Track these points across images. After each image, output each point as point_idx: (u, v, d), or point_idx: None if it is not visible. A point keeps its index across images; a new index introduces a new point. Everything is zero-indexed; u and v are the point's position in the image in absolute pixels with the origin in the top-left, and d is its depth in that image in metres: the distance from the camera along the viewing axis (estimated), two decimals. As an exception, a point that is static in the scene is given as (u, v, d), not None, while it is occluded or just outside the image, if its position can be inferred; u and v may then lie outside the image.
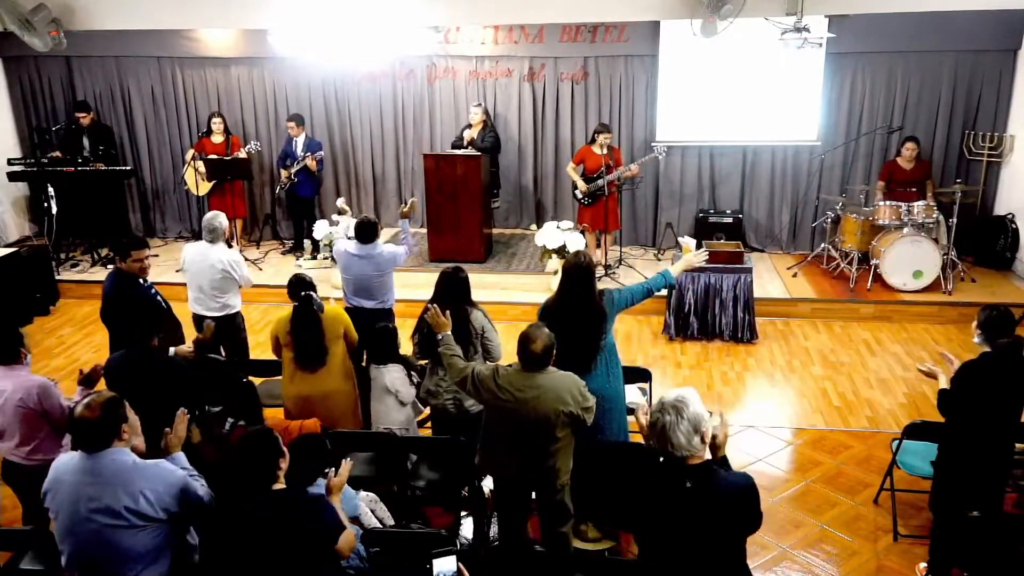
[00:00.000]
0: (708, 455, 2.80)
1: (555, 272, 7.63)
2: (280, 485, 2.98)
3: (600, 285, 4.36)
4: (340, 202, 6.83)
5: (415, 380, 4.70)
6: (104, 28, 7.08)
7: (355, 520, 3.67)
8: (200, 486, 3.16)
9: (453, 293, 4.37)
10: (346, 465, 3.45)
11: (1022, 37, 8.12)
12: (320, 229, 8.61)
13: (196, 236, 9.44)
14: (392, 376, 4.59)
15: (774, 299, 7.71)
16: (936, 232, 7.92)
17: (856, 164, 8.77)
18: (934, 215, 7.64)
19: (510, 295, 7.85)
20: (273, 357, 4.94)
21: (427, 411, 4.77)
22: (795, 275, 8.25)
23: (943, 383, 4.04)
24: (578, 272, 4.20)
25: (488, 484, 4.44)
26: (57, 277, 8.45)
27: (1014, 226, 8.14)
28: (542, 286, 7.86)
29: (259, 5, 6.77)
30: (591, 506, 4.12)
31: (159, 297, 5.10)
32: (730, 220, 8.81)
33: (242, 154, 8.76)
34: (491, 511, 4.51)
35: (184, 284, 5.78)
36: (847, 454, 5.32)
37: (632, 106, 8.95)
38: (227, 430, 4.41)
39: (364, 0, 6.63)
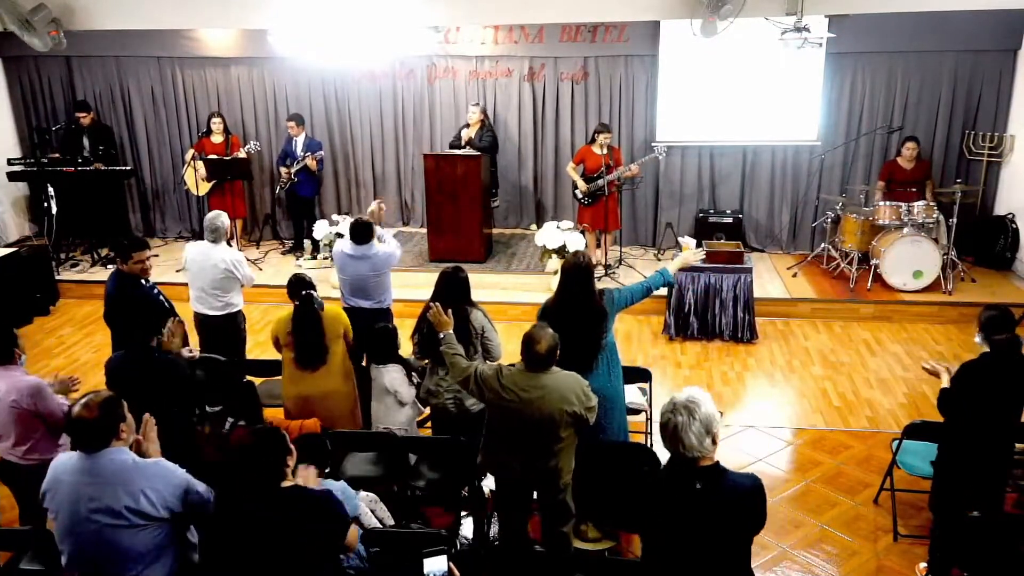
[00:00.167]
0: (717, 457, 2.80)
1: (555, 272, 7.63)
2: (289, 482, 2.99)
3: (600, 285, 4.36)
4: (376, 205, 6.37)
5: (415, 381, 4.70)
6: (104, 28, 7.08)
7: (355, 520, 3.67)
8: (199, 483, 3.16)
9: (453, 293, 4.37)
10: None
11: (1022, 37, 8.12)
12: (320, 229, 8.61)
13: (196, 236, 9.46)
14: (391, 376, 4.59)
15: (774, 299, 7.71)
16: (936, 232, 7.92)
17: (856, 164, 8.77)
18: (934, 215, 7.64)
19: (510, 295, 7.85)
20: (273, 356, 4.94)
21: (427, 411, 4.77)
22: (795, 275, 8.25)
23: (945, 382, 4.05)
24: (577, 272, 4.21)
25: (488, 484, 4.44)
26: (57, 277, 8.45)
27: (1014, 226, 8.14)
28: (542, 286, 7.86)
29: (259, 5, 6.78)
30: (591, 506, 4.12)
31: (161, 297, 5.11)
32: (730, 220, 8.81)
33: (242, 154, 8.76)
34: (491, 511, 4.51)
35: (185, 284, 5.79)
36: (847, 454, 5.32)
37: (632, 106, 8.95)
38: (227, 430, 4.41)
39: (364, 0, 6.63)
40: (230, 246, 5.90)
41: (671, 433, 2.69)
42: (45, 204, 8.49)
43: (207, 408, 4.64)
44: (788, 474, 5.13)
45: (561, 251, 7.89)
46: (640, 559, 2.98)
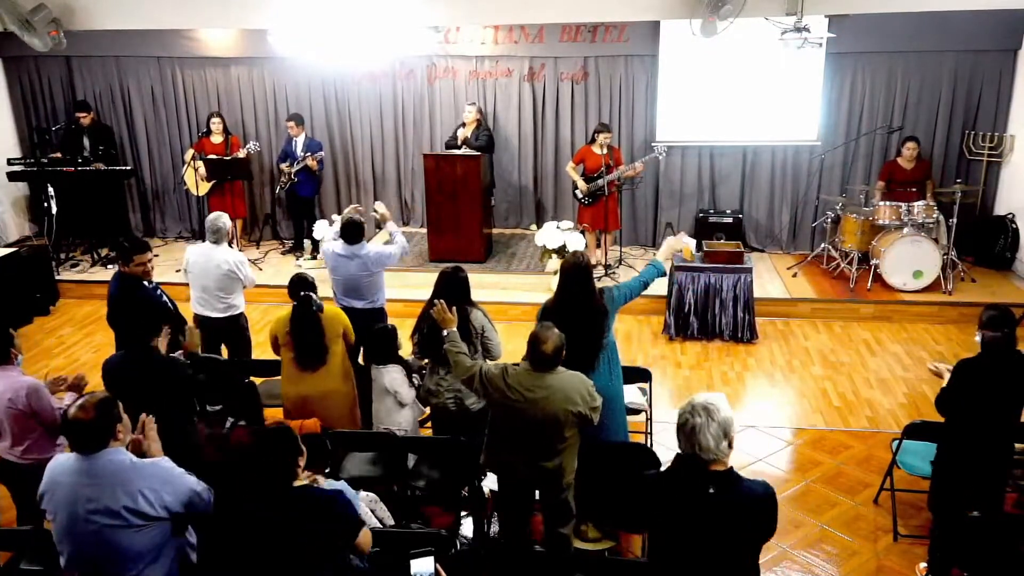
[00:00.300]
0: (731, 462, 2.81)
1: (555, 272, 7.62)
2: (300, 482, 2.99)
3: (599, 285, 4.37)
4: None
5: (415, 382, 4.70)
6: (104, 28, 7.08)
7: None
8: (198, 483, 3.16)
9: (453, 293, 4.37)
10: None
11: (1022, 37, 8.12)
12: (320, 229, 8.60)
13: (196, 236, 9.47)
14: (392, 377, 4.59)
15: (774, 299, 7.71)
16: (936, 232, 7.92)
17: (856, 164, 8.77)
18: (934, 215, 7.64)
19: (510, 295, 7.85)
20: (273, 356, 4.94)
21: (427, 411, 4.77)
22: (795, 275, 8.25)
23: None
24: (576, 272, 4.21)
25: (488, 484, 4.44)
26: (57, 277, 8.45)
27: (1014, 226, 8.14)
28: (542, 286, 7.86)
29: (259, 5, 6.77)
30: (591, 506, 4.12)
31: (165, 298, 5.11)
32: (730, 220, 8.81)
33: (242, 154, 8.76)
34: (491, 511, 4.51)
35: (185, 284, 5.78)
36: (847, 454, 5.32)
37: (632, 106, 8.95)
38: (227, 430, 4.41)
39: (364, 0, 6.63)
40: (231, 247, 5.89)
41: (688, 433, 2.67)
42: (45, 204, 8.49)
43: (207, 408, 4.64)
44: (788, 474, 5.13)
45: (561, 251, 7.89)
46: (646, 560, 2.97)
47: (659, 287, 7.46)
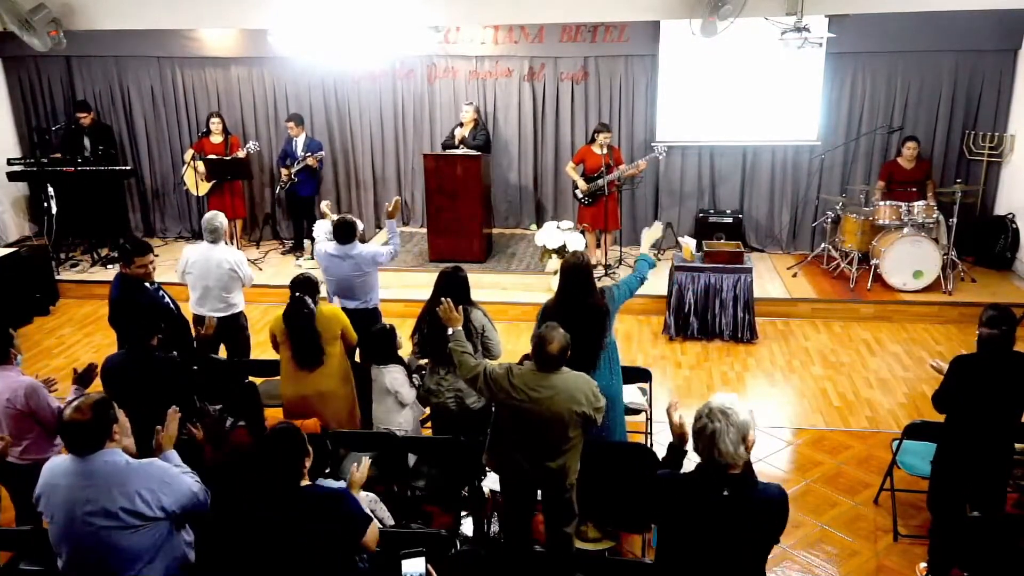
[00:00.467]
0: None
1: (555, 272, 7.62)
2: (306, 482, 2.99)
3: (599, 284, 4.37)
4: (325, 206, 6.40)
5: (415, 382, 4.69)
6: (104, 28, 7.07)
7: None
8: (195, 482, 3.16)
9: (453, 292, 4.37)
10: (366, 462, 3.46)
11: (1022, 37, 8.12)
12: (320, 229, 8.59)
13: (196, 236, 9.46)
14: (392, 376, 4.59)
15: (774, 299, 7.71)
16: (936, 232, 7.91)
17: (856, 164, 8.77)
18: (934, 215, 7.64)
19: (510, 295, 7.85)
20: (273, 356, 4.93)
21: (427, 411, 4.77)
22: (795, 275, 8.25)
23: None
24: (576, 272, 4.22)
25: (488, 484, 4.44)
26: (57, 277, 8.45)
27: (1014, 226, 8.14)
28: (542, 286, 7.86)
29: (259, 5, 6.77)
30: (591, 506, 4.12)
31: (167, 299, 5.10)
32: (730, 220, 8.81)
33: (241, 154, 8.76)
34: (491, 511, 4.51)
35: (182, 284, 5.77)
36: (847, 454, 5.32)
37: (632, 106, 8.95)
38: (227, 430, 4.40)
39: (364, 0, 6.63)
40: (228, 245, 5.88)
41: (707, 439, 2.66)
42: (45, 204, 8.49)
43: (207, 408, 4.63)
44: (788, 474, 5.13)
45: (561, 251, 7.88)
46: (649, 561, 2.97)
47: (659, 287, 7.50)
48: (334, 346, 4.66)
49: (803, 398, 6.14)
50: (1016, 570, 3.59)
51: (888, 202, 7.64)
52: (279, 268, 8.76)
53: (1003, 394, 3.81)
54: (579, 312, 4.13)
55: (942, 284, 7.63)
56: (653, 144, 8.45)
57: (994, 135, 8.27)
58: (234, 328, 5.70)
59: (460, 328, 3.97)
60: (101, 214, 9.00)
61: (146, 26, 7.41)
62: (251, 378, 5.28)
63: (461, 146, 8.29)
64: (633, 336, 7.31)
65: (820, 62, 8.32)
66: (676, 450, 3.01)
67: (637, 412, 5.05)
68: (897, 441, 4.51)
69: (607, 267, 8.17)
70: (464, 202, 8.02)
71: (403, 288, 7.93)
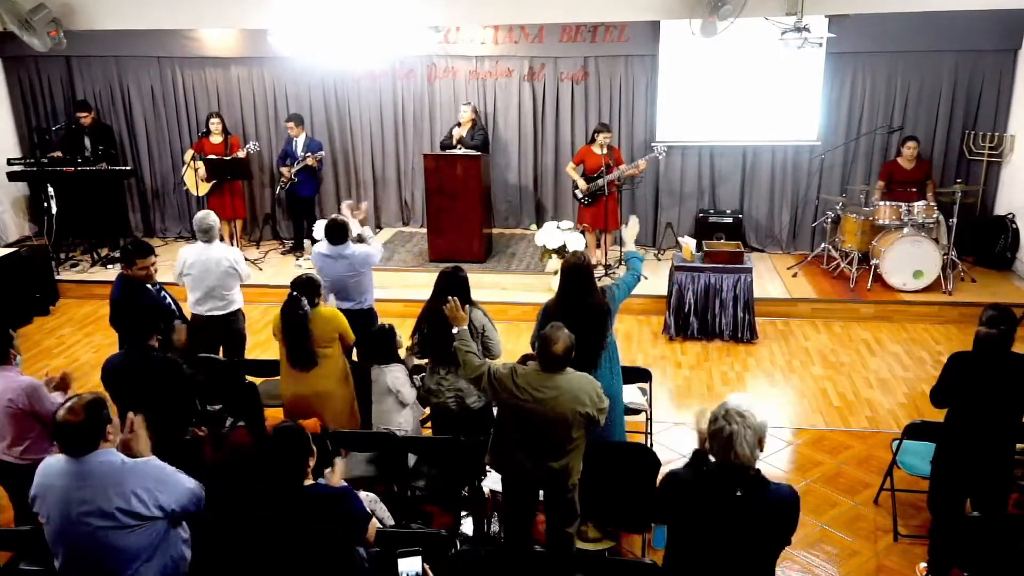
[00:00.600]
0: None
1: (555, 272, 7.63)
2: (309, 481, 3.00)
3: (600, 284, 4.37)
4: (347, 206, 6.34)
5: (415, 383, 4.69)
6: (104, 28, 7.07)
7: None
8: (190, 481, 3.16)
9: (454, 292, 4.36)
10: (339, 464, 3.45)
11: (1022, 37, 8.12)
12: (320, 229, 8.60)
13: (196, 236, 9.45)
14: (394, 376, 4.58)
15: (774, 299, 7.71)
16: (936, 232, 7.92)
17: (856, 164, 8.77)
18: (934, 215, 7.64)
19: (510, 295, 7.85)
20: (273, 356, 4.93)
21: (427, 411, 4.77)
22: (795, 275, 8.25)
23: None
24: (577, 272, 4.22)
25: (488, 484, 4.44)
26: (57, 277, 8.45)
27: (1014, 226, 8.14)
28: (542, 286, 7.86)
29: (259, 5, 6.77)
30: (592, 506, 4.12)
31: (168, 299, 5.10)
32: (730, 220, 8.81)
33: (241, 154, 8.77)
34: (491, 511, 4.51)
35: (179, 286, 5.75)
36: (847, 454, 5.32)
37: (632, 106, 8.95)
38: (227, 430, 4.40)
39: (364, 0, 6.63)
40: (223, 243, 5.87)
41: (725, 440, 2.66)
42: (45, 204, 8.49)
43: (207, 408, 4.63)
44: (788, 474, 5.13)
45: (561, 251, 7.89)
46: (664, 560, 2.96)
47: (659, 287, 7.50)
48: (332, 348, 4.64)
49: (803, 398, 6.14)
50: (1016, 570, 3.59)
51: (888, 202, 7.64)
52: (279, 268, 8.76)
53: (1000, 394, 3.81)
54: (580, 312, 4.13)
55: (942, 284, 7.63)
56: (653, 144, 8.45)
57: (994, 135, 8.27)
58: (232, 326, 5.70)
59: (466, 327, 3.98)
60: (101, 214, 9.01)
61: (146, 26, 7.41)
62: (251, 378, 5.28)
63: (459, 146, 8.29)
64: (633, 336, 7.31)
65: (820, 62, 8.32)
66: (702, 457, 2.99)
67: (637, 412, 5.05)
68: (897, 441, 4.51)
69: (607, 267, 8.17)
70: (464, 202, 8.02)
71: (403, 288, 7.93)
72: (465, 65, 9.08)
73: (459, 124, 8.52)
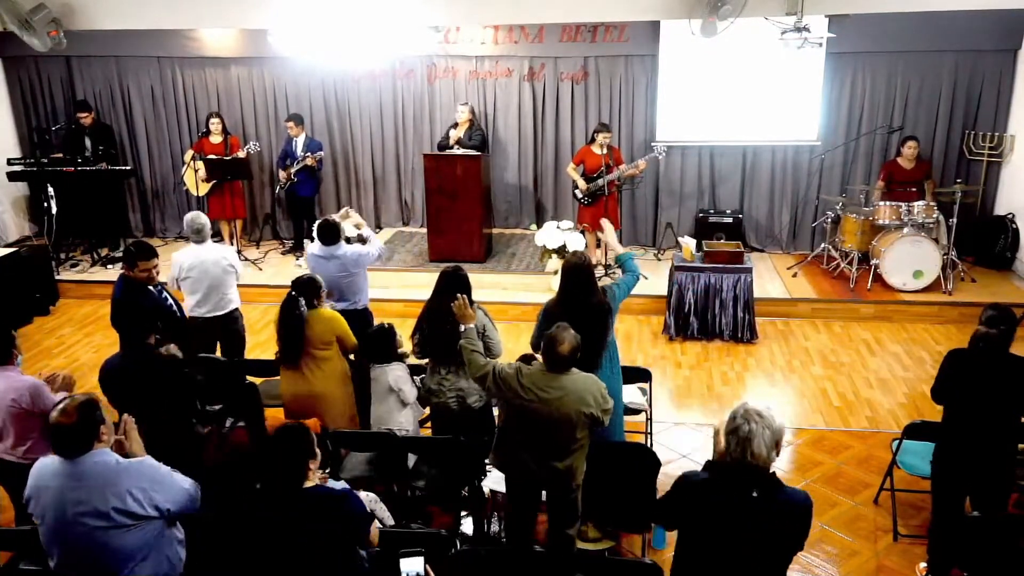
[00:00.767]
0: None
1: (555, 272, 7.63)
2: (310, 483, 3.00)
3: (600, 284, 4.37)
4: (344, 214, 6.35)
5: (416, 383, 4.69)
6: (104, 28, 7.07)
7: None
8: (186, 480, 3.16)
9: (455, 291, 4.37)
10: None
11: (1022, 37, 8.12)
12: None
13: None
14: (395, 374, 4.58)
15: (774, 299, 7.71)
16: (936, 232, 7.92)
17: (856, 164, 8.77)
18: (934, 215, 7.65)
19: (510, 295, 7.85)
20: (273, 356, 4.93)
21: (427, 411, 4.76)
22: (795, 275, 8.25)
23: None
24: (577, 272, 4.22)
25: (488, 484, 4.45)
26: (57, 277, 8.45)
27: (1014, 226, 8.14)
28: (542, 286, 7.86)
29: (259, 5, 6.76)
30: (592, 506, 4.12)
31: (170, 300, 5.10)
32: (730, 220, 8.81)
33: (241, 154, 8.77)
34: (491, 511, 4.51)
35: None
36: (847, 454, 5.32)
37: (632, 106, 8.95)
38: (227, 430, 4.41)
39: (364, 0, 6.63)
40: (214, 242, 5.84)
41: (742, 439, 2.66)
42: (45, 204, 8.49)
43: (207, 408, 4.63)
44: (788, 474, 5.13)
45: (561, 251, 7.89)
46: (673, 561, 2.95)
47: (659, 287, 7.50)
48: (330, 350, 4.63)
49: (803, 398, 6.14)
50: (1016, 570, 3.59)
51: (888, 202, 7.64)
52: (279, 268, 8.76)
53: (998, 394, 3.80)
54: (581, 312, 4.13)
55: (942, 284, 7.63)
56: (653, 144, 8.45)
57: (994, 135, 8.27)
58: (231, 326, 5.70)
59: (473, 326, 3.98)
60: (101, 214, 9.01)
61: (146, 26, 7.41)
62: (251, 378, 5.29)
63: (456, 146, 8.28)
64: (633, 336, 7.31)
65: (820, 62, 8.33)
66: (715, 467, 2.99)
67: (637, 412, 5.05)
68: (897, 441, 4.51)
69: (607, 267, 8.17)
70: (464, 202, 8.02)
71: (403, 288, 7.93)
72: (465, 65, 9.08)
73: (455, 125, 8.49)
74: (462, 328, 3.96)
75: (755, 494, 2.67)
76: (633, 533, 4.41)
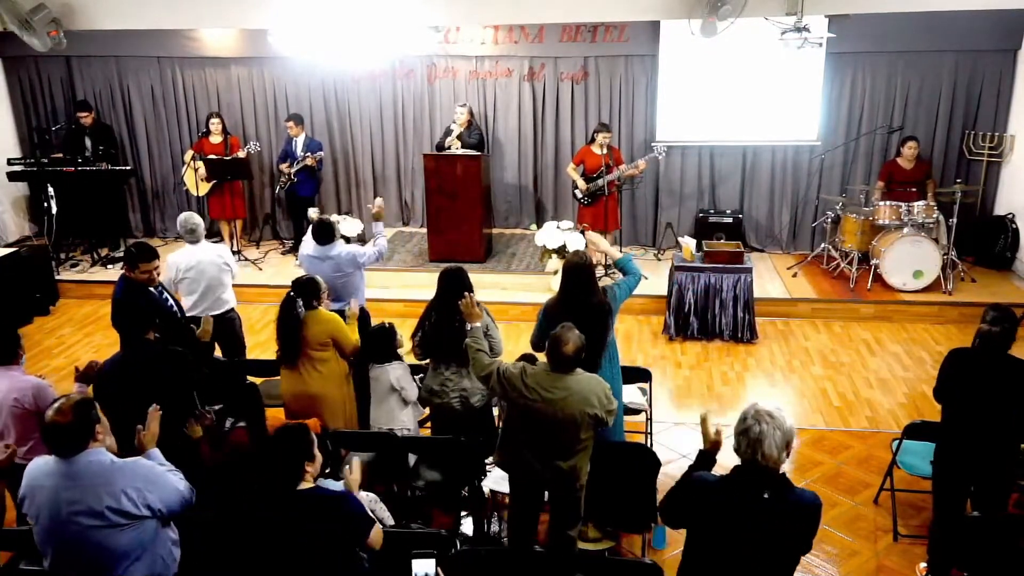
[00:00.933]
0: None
1: (555, 272, 7.63)
2: (308, 484, 2.99)
3: (600, 284, 4.37)
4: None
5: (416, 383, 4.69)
6: (104, 28, 7.07)
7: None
8: (180, 480, 3.16)
9: (456, 290, 4.37)
10: (357, 463, 3.42)
11: (1022, 37, 8.12)
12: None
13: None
14: (396, 373, 4.58)
15: (774, 299, 7.71)
16: (936, 232, 7.92)
17: (856, 164, 8.77)
18: (934, 215, 7.64)
19: (510, 295, 7.85)
20: (273, 356, 4.93)
21: (426, 411, 4.76)
22: (795, 275, 8.25)
23: None
24: (578, 272, 4.22)
25: (488, 484, 4.45)
26: (57, 277, 8.45)
27: (1014, 226, 8.14)
28: (542, 286, 7.86)
29: (259, 5, 6.76)
30: (592, 506, 4.12)
31: (171, 301, 5.10)
32: (730, 220, 8.81)
33: (241, 154, 8.77)
34: (491, 511, 4.51)
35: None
36: (847, 454, 5.32)
37: (632, 106, 8.95)
38: (227, 430, 4.41)
39: (364, 0, 6.63)
40: (208, 242, 5.83)
41: (753, 439, 2.66)
42: (45, 204, 8.49)
43: (207, 408, 4.63)
44: (788, 474, 5.07)
45: (561, 251, 7.89)
46: (681, 562, 2.95)
47: (659, 287, 7.50)
48: (327, 351, 4.62)
49: (803, 398, 6.14)
50: (1016, 570, 3.59)
51: (888, 202, 7.64)
52: (279, 268, 8.76)
53: (998, 394, 3.81)
54: (581, 312, 4.13)
55: (942, 284, 7.63)
56: (653, 144, 8.45)
57: (994, 135, 8.27)
58: (229, 326, 5.70)
59: (479, 325, 3.98)
60: (101, 214, 9.01)
61: (146, 26, 7.41)
62: (251, 378, 5.29)
63: (453, 146, 8.22)
64: (633, 336, 7.31)
65: (820, 62, 8.33)
66: (708, 458, 3.00)
67: (637, 412, 5.05)
68: (897, 441, 4.51)
69: (607, 267, 8.17)
70: (464, 202, 8.01)
71: (403, 288, 7.93)
72: (465, 65, 9.08)
73: (453, 124, 8.43)
74: (468, 327, 3.95)
75: (766, 495, 2.66)
76: (633, 533, 4.41)
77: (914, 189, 7.99)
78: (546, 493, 3.86)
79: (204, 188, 8.82)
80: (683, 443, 5.42)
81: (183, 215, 5.65)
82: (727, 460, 2.92)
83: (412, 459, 4.50)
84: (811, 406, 6.00)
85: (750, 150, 8.91)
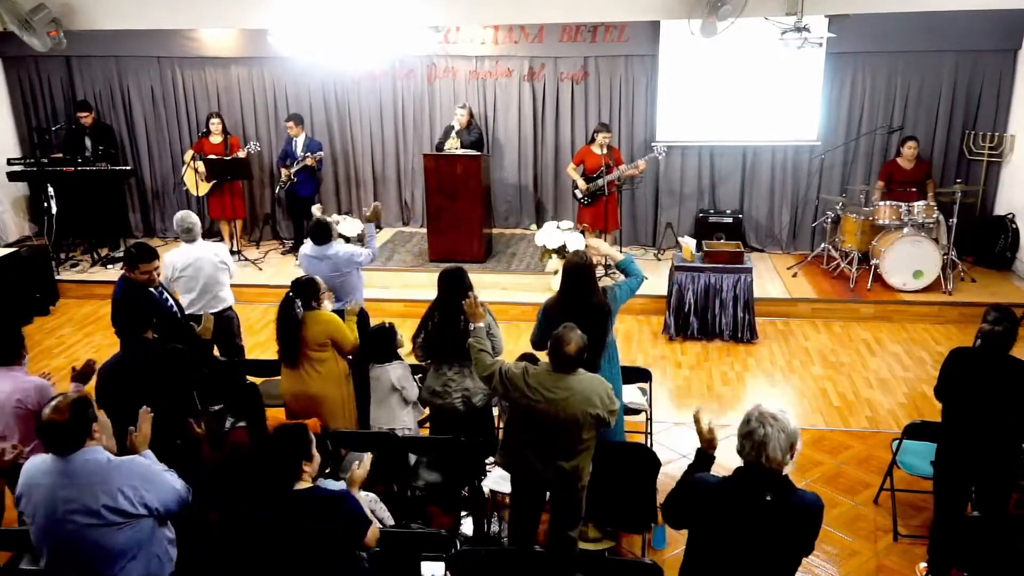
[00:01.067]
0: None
1: (555, 272, 7.63)
2: (306, 484, 2.99)
3: (600, 284, 4.37)
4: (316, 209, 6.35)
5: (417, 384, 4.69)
6: (104, 28, 7.07)
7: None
8: (177, 480, 3.16)
9: (457, 290, 4.37)
10: (367, 460, 3.43)
11: (1022, 37, 8.12)
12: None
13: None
14: (397, 373, 4.58)
15: (774, 299, 7.71)
16: (936, 232, 7.92)
17: (856, 164, 8.77)
18: (934, 215, 7.64)
19: (510, 295, 7.85)
20: (274, 356, 4.93)
21: (426, 411, 4.76)
22: (795, 275, 8.25)
23: None
24: (578, 272, 4.22)
25: (488, 484, 4.44)
26: (57, 277, 8.45)
27: (1014, 226, 8.14)
28: (542, 286, 7.86)
29: (259, 5, 6.77)
30: (592, 506, 4.12)
31: (171, 302, 5.10)
32: (730, 220, 8.81)
33: (241, 154, 8.77)
34: (491, 511, 4.51)
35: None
36: (847, 454, 5.32)
37: (632, 106, 8.95)
38: (227, 430, 4.40)
39: (364, 0, 6.63)
40: (205, 241, 5.83)
41: (757, 443, 2.65)
42: (45, 204, 8.49)
43: (207, 408, 4.63)
44: (788, 474, 5.12)
45: (561, 251, 7.88)
46: (682, 563, 2.95)
47: (659, 287, 7.50)
48: (326, 351, 4.62)
49: (803, 398, 6.14)
50: (1016, 570, 3.59)
51: (888, 202, 7.64)
52: (279, 268, 8.76)
53: (998, 394, 3.81)
54: (581, 312, 4.12)
55: (942, 284, 7.63)
56: (653, 144, 8.45)
57: (994, 135, 8.27)
58: (225, 323, 5.70)
59: (482, 324, 3.98)
60: (101, 214, 9.01)
61: (146, 26, 7.41)
62: (251, 378, 5.28)
63: (453, 146, 8.21)
64: (633, 336, 7.31)
65: (820, 62, 8.33)
66: (706, 456, 2.99)
67: (637, 412, 5.05)
68: (897, 441, 4.51)
69: (607, 267, 8.17)
70: (464, 202, 8.02)
71: (403, 288, 7.94)
72: (465, 65, 9.08)
73: (450, 127, 8.42)
74: (472, 327, 3.95)
75: (768, 497, 2.66)
76: (633, 533, 4.40)
77: (914, 189, 7.99)
78: (547, 493, 3.86)
79: (204, 188, 8.83)
80: (683, 443, 5.42)
81: (179, 214, 5.64)
82: (729, 461, 2.92)
83: (412, 459, 4.50)
84: (811, 406, 6.00)
85: (750, 150, 8.91)
